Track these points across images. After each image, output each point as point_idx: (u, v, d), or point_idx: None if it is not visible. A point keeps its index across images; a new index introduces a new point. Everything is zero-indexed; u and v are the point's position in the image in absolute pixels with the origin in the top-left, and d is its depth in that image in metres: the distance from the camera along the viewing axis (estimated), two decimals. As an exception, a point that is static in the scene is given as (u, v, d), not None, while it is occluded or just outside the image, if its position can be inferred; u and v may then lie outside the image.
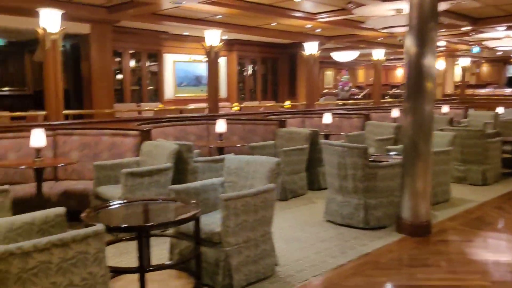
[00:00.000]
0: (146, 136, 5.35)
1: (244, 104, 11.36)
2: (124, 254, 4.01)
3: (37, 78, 11.35)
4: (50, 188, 5.03)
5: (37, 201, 4.63)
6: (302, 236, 4.44)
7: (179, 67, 11.78)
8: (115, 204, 3.43)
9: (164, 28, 10.37)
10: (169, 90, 11.62)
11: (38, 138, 4.59)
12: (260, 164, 3.69)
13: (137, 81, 10.90)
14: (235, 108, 10.80)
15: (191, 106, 9.98)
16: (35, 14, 7.03)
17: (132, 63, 10.78)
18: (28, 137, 5.44)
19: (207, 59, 7.78)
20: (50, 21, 5.62)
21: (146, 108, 9.76)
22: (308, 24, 9.72)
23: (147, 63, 11.06)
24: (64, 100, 9.71)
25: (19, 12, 7.26)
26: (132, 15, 8.35)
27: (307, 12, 9.02)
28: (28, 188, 5.01)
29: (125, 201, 3.55)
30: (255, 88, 13.47)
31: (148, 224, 3.06)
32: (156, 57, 11.16)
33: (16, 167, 4.50)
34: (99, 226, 2.55)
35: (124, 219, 3.26)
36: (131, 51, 10.63)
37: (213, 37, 7.34)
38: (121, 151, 5.48)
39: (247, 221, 3.29)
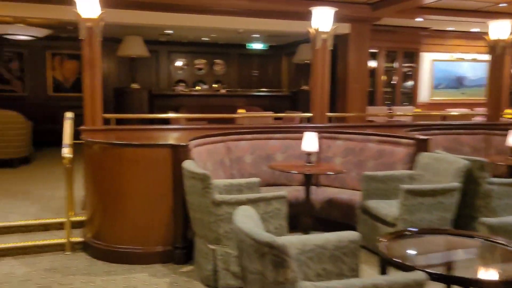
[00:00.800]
0: (422, 146, 4.56)
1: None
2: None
3: (292, 79, 11.88)
4: (313, 193, 4.76)
5: (304, 207, 4.41)
6: None
7: (437, 67, 10.52)
8: (410, 233, 2.78)
9: (425, 24, 9.34)
10: (424, 92, 10.50)
11: (310, 142, 4.34)
12: None
13: (390, 82, 10.17)
14: (508, 115, 8.92)
15: (453, 111, 8.67)
16: (303, 16, 7.07)
17: (385, 63, 10.09)
18: (294, 138, 5.38)
19: (485, 56, 6.48)
20: (322, 20, 5.42)
21: (399, 113, 8.94)
22: None
23: (402, 63, 10.21)
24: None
25: (289, 16, 7.46)
26: (396, 11, 7.66)
27: None
28: (293, 192, 4.87)
29: (421, 230, 2.85)
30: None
31: (492, 280, 2.20)
32: (412, 56, 10.19)
33: (286, 171, 4.34)
34: (420, 275, 1.92)
35: (434, 259, 2.54)
36: (386, 51, 9.95)
37: (500, 29, 6.01)
38: (389, 161, 4.84)
39: None
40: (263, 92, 10.93)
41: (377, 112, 8.89)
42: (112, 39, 9.90)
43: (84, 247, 4.27)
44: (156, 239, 4.01)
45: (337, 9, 5.56)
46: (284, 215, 3.56)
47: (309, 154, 4.35)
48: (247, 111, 8.51)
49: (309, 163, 4.36)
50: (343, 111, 8.38)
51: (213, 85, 12.24)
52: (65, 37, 10.41)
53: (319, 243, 2.46)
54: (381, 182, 4.35)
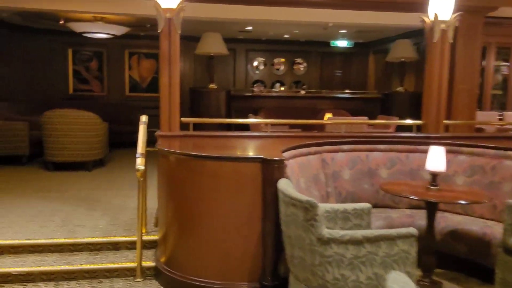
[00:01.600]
0: None
1: None
2: None
3: (380, 80, 10.75)
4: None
5: (425, 242, 3.45)
6: None
7: (559, 65, 8.91)
8: None
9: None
10: (541, 95, 8.93)
11: (437, 159, 3.38)
12: None
13: (501, 83, 8.76)
14: None
15: None
16: (406, 7, 6.12)
17: (496, 62, 8.69)
18: (401, 151, 4.43)
19: None
20: (441, 7, 4.43)
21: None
22: None
23: (514, 62, 8.74)
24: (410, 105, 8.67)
25: (387, 6, 6.52)
26: (520, -2, 6.41)
27: None
28: (403, 217, 3.95)
29: None
30: None
31: None
32: (529, 53, 8.70)
33: (404, 196, 3.41)
34: None
35: None
36: (497, 47, 8.55)
37: None
38: (536, 184, 3.75)
39: None
40: (350, 94, 9.87)
41: (484, 118, 7.57)
42: (188, 37, 9.45)
43: (156, 273, 3.67)
44: (240, 273, 3.29)
45: (455, -6, 4.54)
46: (414, 260, 2.66)
47: (434, 175, 3.39)
48: (333, 115, 7.61)
49: (434, 185, 3.41)
50: (445, 117, 7.20)
51: (293, 86, 11.48)
52: (143, 35, 10.17)
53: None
54: (530, 213, 3.29)
